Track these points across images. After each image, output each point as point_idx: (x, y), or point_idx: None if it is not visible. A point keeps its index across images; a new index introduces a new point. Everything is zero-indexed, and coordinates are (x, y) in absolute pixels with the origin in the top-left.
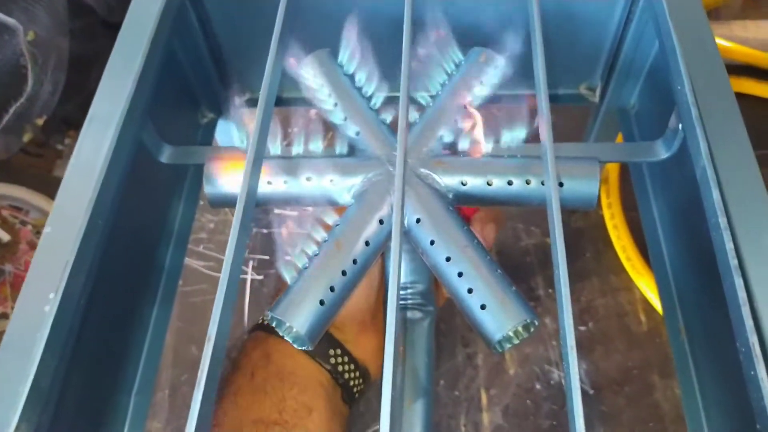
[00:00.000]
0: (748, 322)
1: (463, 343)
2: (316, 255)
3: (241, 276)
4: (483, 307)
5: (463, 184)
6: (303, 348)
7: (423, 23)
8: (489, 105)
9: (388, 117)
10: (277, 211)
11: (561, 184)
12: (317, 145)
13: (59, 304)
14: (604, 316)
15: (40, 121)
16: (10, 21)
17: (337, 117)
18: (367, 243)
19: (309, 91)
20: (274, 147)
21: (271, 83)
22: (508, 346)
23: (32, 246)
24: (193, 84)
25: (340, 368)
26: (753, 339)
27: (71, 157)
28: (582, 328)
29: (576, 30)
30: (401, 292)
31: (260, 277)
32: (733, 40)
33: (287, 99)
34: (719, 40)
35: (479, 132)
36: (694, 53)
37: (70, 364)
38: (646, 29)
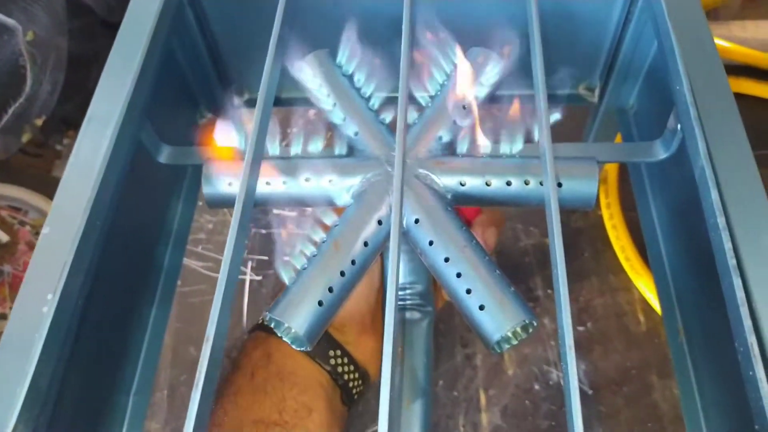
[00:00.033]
0: (747, 323)
1: (462, 344)
2: (314, 256)
3: (240, 276)
4: (481, 307)
5: (462, 185)
6: (302, 349)
7: (422, 23)
8: (488, 105)
9: (387, 117)
10: (276, 211)
11: (560, 185)
12: (316, 146)
13: (57, 304)
14: (602, 316)
15: (39, 122)
16: (9, 21)
17: (336, 117)
18: (365, 243)
19: (308, 91)
20: (273, 147)
21: (270, 83)
22: (507, 346)
23: (31, 246)
24: (192, 84)
25: (339, 369)
26: (751, 339)
27: (70, 157)
28: (581, 328)
29: (575, 30)
30: (400, 293)
31: (259, 278)
32: (732, 40)
33: (286, 99)
34: (718, 41)
35: (478, 132)
36: (692, 53)
37: (69, 364)
38: (645, 29)
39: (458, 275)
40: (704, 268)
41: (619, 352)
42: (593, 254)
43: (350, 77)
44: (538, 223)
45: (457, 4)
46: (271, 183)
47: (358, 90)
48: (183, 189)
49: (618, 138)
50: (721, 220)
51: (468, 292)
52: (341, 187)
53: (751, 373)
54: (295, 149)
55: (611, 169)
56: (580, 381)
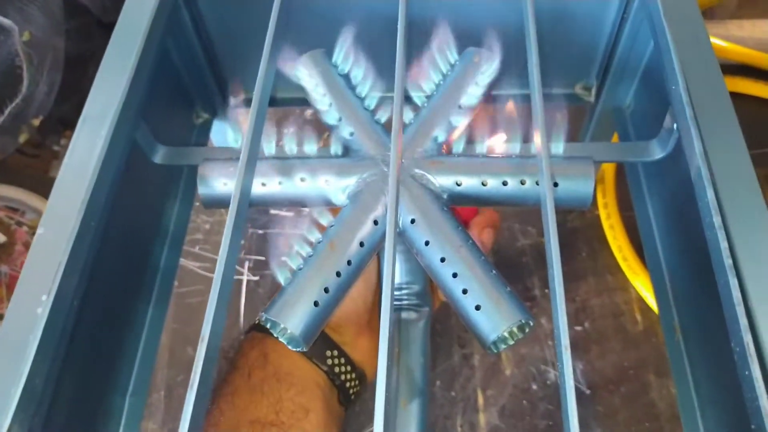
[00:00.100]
0: (743, 322)
1: (460, 344)
2: (310, 256)
3: (237, 277)
4: (478, 307)
5: (458, 185)
6: (298, 349)
7: (417, 23)
8: (484, 105)
9: (382, 117)
10: (272, 211)
11: (556, 184)
12: (312, 146)
13: (52, 305)
14: (600, 316)
15: (36, 122)
16: (6, 21)
17: (332, 117)
18: (361, 244)
19: (303, 91)
20: (269, 147)
21: (265, 83)
22: (504, 346)
23: (28, 247)
24: (188, 84)
25: (336, 370)
26: (747, 338)
27: (65, 156)
28: (578, 327)
29: (571, 30)
30: (396, 293)
31: (256, 278)
32: (729, 39)
33: (282, 99)
34: (715, 40)
35: (474, 132)
36: (689, 53)
37: (64, 365)
38: (641, 29)
39: (454, 275)
40: (701, 267)
41: (616, 351)
42: (590, 254)
43: (346, 77)
44: (536, 223)
45: (453, 4)
46: (266, 183)
47: (353, 90)
48: (179, 189)
49: (615, 137)
50: (717, 220)
51: (464, 292)
52: (337, 187)
53: (747, 372)
54: (291, 149)
55: (608, 169)
56: (577, 381)
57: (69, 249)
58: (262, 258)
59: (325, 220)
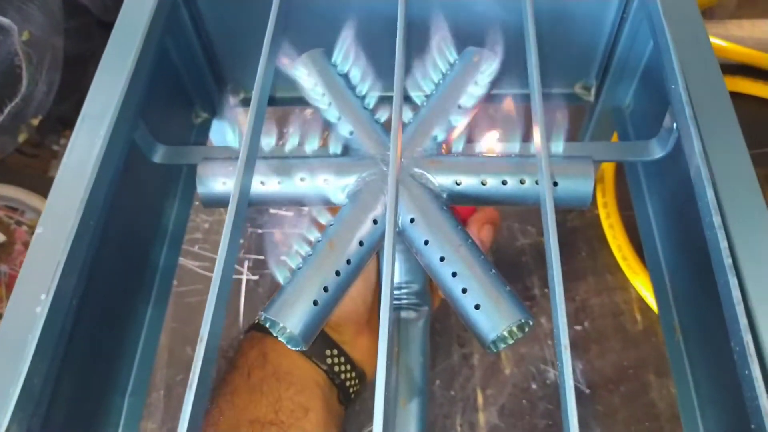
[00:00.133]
0: (743, 321)
1: (459, 343)
2: (309, 255)
3: (237, 276)
4: (477, 307)
5: (458, 184)
6: (297, 348)
7: (417, 23)
8: (483, 104)
9: (382, 116)
10: (272, 211)
11: (555, 184)
12: (311, 145)
13: (50, 305)
14: (599, 315)
15: (35, 121)
16: (5, 21)
17: (331, 116)
18: (360, 243)
19: (303, 90)
20: (268, 147)
21: (264, 83)
22: (503, 346)
23: (27, 246)
24: (187, 83)
25: (336, 369)
26: (747, 338)
27: (64, 156)
28: (577, 327)
29: (570, 29)
30: (396, 292)
31: (255, 278)
32: (729, 39)
33: (281, 98)
34: (714, 39)
35: (473, 132)
36: (688, 52)
37: (63, 364)
38: (641, 28)
39: (454, 275)
40: (700, 266)
41: (616, 351)
42: (590, 253)
43: (345, 76)
44: (535, 222)
45: (452, 4)
46: (265, 182)
47: (353, 89)
48: (178, 189)
49: (614, 137)
50: (716, 219)
51: (463, 291)
52: (336, 186)
53: (746, 371)
54: (290, 149)
55: (608, 168)
56: (577, 380)
57: (68, 248)
58: (262, 257)
59: (325, 219)
